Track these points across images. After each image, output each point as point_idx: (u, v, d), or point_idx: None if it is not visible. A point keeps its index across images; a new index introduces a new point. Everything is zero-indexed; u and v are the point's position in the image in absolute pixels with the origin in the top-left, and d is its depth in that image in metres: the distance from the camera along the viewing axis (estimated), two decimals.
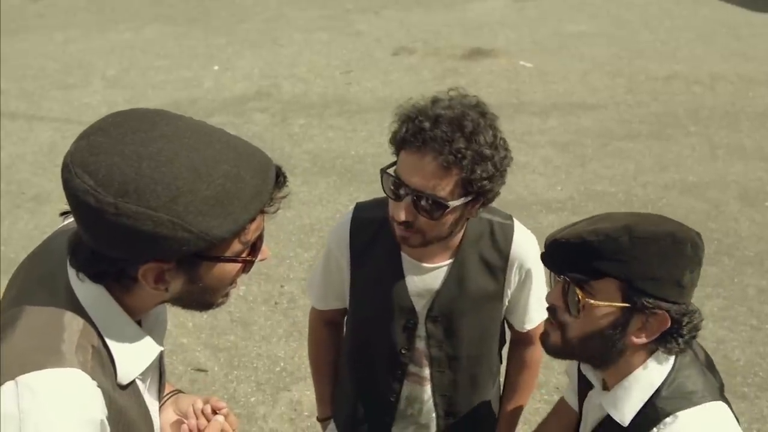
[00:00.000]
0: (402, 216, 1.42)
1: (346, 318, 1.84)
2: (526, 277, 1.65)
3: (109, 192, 0.87)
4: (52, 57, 7.57)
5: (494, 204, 1.69)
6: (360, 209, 1.68)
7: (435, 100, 1.43)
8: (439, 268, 1.60)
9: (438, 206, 1.40)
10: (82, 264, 0.97)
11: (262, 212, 0.99)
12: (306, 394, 3.11)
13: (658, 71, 6.84)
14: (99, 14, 9.11)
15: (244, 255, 1.01)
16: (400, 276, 1.60)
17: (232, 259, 0.99)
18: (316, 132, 5.74)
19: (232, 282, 1.05)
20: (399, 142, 1.42)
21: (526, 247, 1.63)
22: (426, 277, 1.60)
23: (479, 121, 1.38)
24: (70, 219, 1.05)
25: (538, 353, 1.81)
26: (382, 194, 1.54)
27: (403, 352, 1.67)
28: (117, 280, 0.98)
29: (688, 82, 6.61)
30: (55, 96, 6.58)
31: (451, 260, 1.59)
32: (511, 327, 1.78)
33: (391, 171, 1.46)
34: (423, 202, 1.40)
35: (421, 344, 1.66)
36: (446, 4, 9.16)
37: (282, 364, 3.34)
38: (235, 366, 3.35)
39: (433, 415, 1.75)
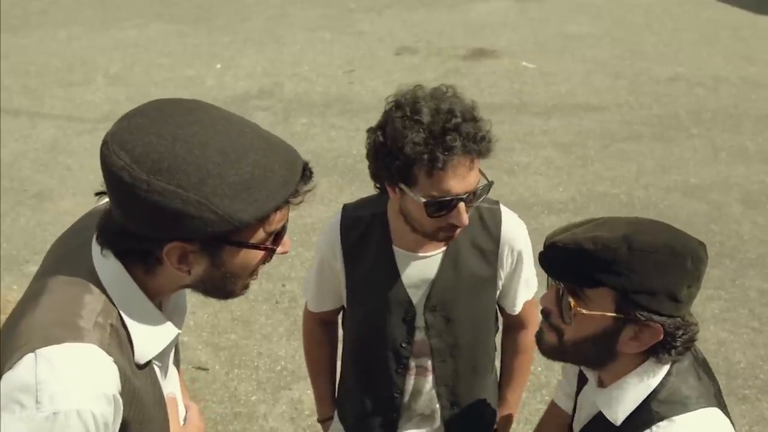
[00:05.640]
0: (467, 219, 1.46)
1: (342, 317, 1.84)
2: (517, 260, 1.67)
3: (143, 169, 0.92)
4: (55, 54, 7.57)
5: None
6: (347, 210, 1.70)
7: (417, 110, 1.40)
8: (432, 257, 1.61)
9: (486, 191, 1.49)
10: (109, 240, 1.01)
11: (287, 203, 1.02)
12: (307, 394, 3.11)
13: (661, 73, 6.83)
14: (102, 11, 9.11)
15: (266, 244, 1.04)
16: (395, 269, 1.62)
17: (254, 246, 1.02)
18: (318, 131, 5.74)
19: (254, 271, 1.08)
20: (427, 167, 1.38)
21: (516, 230, 1.66)
22: (421, 267, 1.61)
23: (457, 99, 1.42)
24: (105, 200, 1.08)
25: (530, 337, 1.83)
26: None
27: (403, 345, 1.68)
28: (142, 260, 1.01)
29: (690, 84, 6.60)
30: (58, 93, 6.57)
31: (444, 248, 1.60)
32: (503, 312, 1.79)
33: (434, 194, 1.41)
34: (474, 198, 1.47)
35: (420, 336, 1.67)
36: (449, 4, 9.15)
37: (283, 363, 3.34)
38: (236, 365, 3.35)
39: (437, 405, 1.76)
